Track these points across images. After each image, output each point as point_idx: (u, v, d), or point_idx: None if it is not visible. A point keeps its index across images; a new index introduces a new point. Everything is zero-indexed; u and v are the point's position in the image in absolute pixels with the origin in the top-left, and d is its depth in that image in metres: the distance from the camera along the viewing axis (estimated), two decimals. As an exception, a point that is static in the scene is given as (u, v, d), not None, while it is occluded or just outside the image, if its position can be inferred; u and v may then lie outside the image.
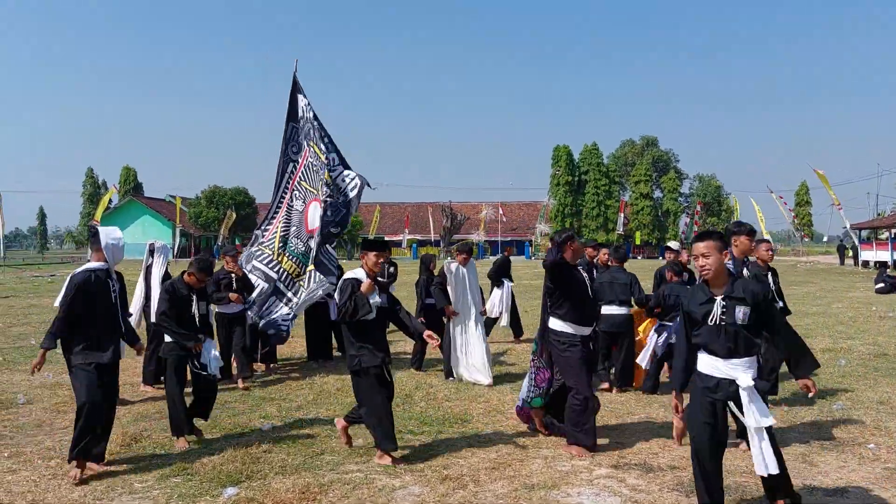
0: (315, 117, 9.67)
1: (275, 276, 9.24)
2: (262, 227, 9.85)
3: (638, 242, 69.96)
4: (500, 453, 5.72)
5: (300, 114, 9.78)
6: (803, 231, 65.24)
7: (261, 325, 9.00)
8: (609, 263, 8.56)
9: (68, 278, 5.39)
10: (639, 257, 66.15)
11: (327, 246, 9.44)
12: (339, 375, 8.90)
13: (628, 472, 5.28)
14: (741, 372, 4.04)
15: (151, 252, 8.61)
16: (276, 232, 9.47)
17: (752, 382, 4.02)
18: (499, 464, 5.45)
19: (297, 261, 9.30)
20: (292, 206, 9.59)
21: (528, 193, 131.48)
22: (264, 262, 9.32)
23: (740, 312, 4.04)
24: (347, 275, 5.61)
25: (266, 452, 5.70)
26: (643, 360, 7.78)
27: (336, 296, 5.77)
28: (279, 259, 9.34)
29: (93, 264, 5.42)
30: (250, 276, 9.01)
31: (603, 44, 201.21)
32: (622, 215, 67.53)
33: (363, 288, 5.41)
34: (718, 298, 4.11)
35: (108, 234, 5.47)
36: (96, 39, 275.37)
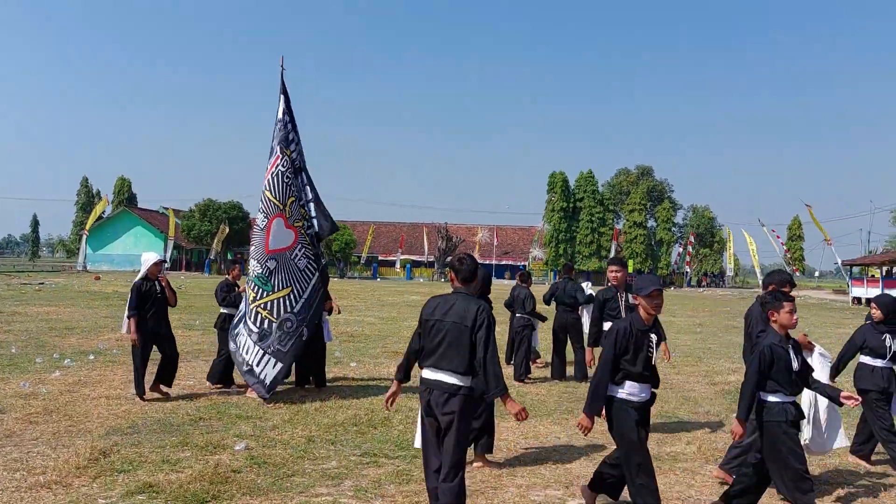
0: (291, 119, 9.02)
1: (244, 305, 8.67)
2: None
3: (630, 271, 69.99)
4: (475, 480, 5.63)
5: (279, 115, 9.03)
6: (795, 266, 65.43)
7: (242, 373, 8.43)
8: None
9: None
10: (631, 286, 66.23)
11: (299, 263, 8.71)
12: (318, 394, 8.81)
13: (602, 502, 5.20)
14: None
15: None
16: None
17: None
18: (473, 491, 5.35)
19: (252, 284, 8.54)
20: (256, 221, 8.83)
21: (523, 218, 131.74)
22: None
23: None
24: None
25: (235, 472, 5.59)
26: None
27: None
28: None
29: None
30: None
31: (602, 72, 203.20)
32: (615, 243, 67.67)
33: None
34: None
35: None
36: (94, 49, 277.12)
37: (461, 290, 4.52)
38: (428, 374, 4.38)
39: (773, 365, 4.75)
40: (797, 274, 65.42)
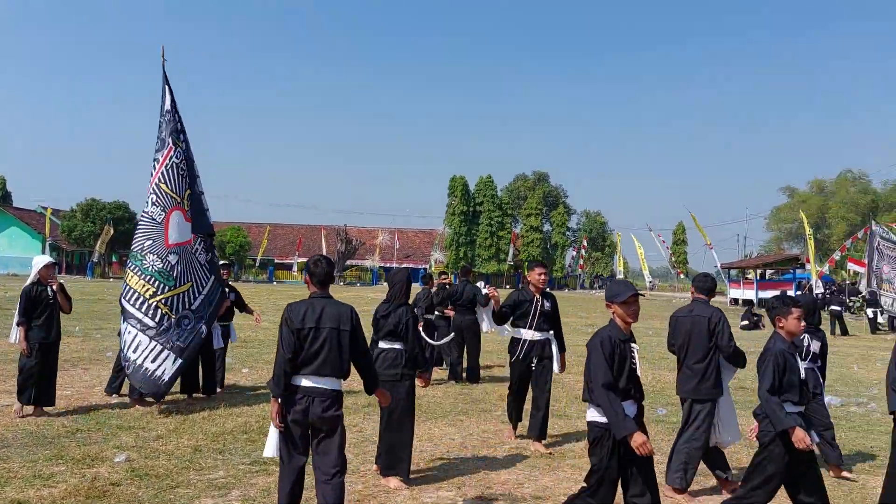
0: (176, 111, 8.79)
1: (126, 302, 8.19)
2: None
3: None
4: (367, 485, 5.60)
5: (167, 107, 8.79)
6: (679, 268, 69.08)
7: (128, 374, 7.98)
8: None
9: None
10: (528, 288, 67.84)
11: (198, 257, 8.60)
12: (207, 402, 8.52)
13: (493, 502, 5.30)
14: None
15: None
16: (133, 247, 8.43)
17: None
18: (365, 496, 5.34)
19: (151, 279, 8.17)
20: (148, 213, 8.44)
21: (424, 221, 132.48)
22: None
23: None
24: None
25: (115, 486, 5.31)
26: None
27: None
28: (126, 278, 8.30)
29: None
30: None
31: (500, 79, 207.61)
32: (513, 247, 69.19)
33: None
34: None
35: None
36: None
37: (318, 293, 4.49)
38: (307, 381, 4.34)
39: (785, 372, 4.52)
40: (681, 276, 69.07)
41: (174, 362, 8.02)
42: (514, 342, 7.21)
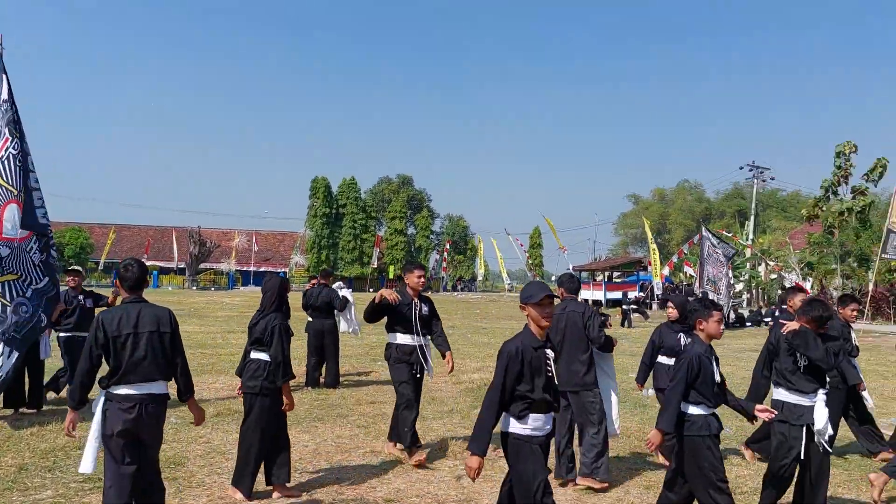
0: (13, 101, 8.20)
1: None
2: None
3: (391, 277, 72.11)
4: (212, 497, 5.39)
5: (3, 96, 8.22)
6: (535, 271, 71.97)
7: None
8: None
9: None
10: (391, 291, 68.03)
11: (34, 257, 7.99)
12: (35, 417, 7.85)
13: (344, 508, 5.27)
14: None
15: None
16: None
17: None
18: (209, 509, 5.13)
19: None
20: None
21: (284, 223, 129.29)
22: None
23: None
24: None
25: (-81, 515, 4.77)
26: None
27: None
28: None
29: None
30: None
31: (364, 80, 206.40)
32: (377, 250, 69.16)
33: None
34: None
35: None
36: None
37: (132, 298, 4.39)
38: (134, 390, 4.19)
39: (699, 375, 4.53)
40: (537, 279, 72.01)
41: (10, 356, 7.51)
42: (397, 349, 6.70)
